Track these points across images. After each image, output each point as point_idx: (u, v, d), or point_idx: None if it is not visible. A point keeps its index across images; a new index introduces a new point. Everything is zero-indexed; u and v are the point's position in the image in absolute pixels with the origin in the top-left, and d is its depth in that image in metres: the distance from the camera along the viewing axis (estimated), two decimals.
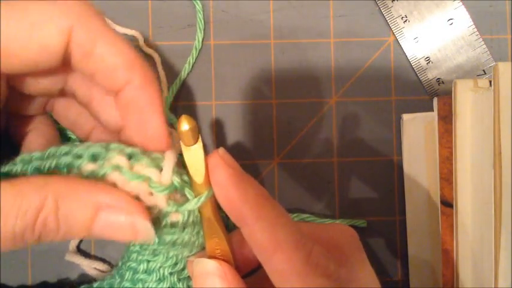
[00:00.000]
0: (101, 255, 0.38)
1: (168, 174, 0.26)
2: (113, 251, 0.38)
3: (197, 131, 0.25)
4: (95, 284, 0.31)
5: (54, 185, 0.23)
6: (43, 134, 0.31)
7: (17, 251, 0.37)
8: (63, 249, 0.37)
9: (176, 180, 0.26)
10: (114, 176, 0.25)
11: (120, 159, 0.25)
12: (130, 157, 0.26)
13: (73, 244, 0.37)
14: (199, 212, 0.28)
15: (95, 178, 0.25)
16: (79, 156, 0.26)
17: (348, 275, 0.26)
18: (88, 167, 0.25)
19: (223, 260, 0.28)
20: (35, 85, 0.28)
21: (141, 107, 0.26)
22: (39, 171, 0.25)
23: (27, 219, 0.23)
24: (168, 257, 0.28)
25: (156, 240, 0.26)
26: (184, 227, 0.27)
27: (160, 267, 0.29)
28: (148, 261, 0.28)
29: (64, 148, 0.26)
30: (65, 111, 0.31)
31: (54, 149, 0.26)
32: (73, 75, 0.29)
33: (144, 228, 0.24)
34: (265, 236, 0.24)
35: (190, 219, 0.27)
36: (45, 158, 0.26)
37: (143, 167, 0.26)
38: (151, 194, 0.26)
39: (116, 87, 0.26)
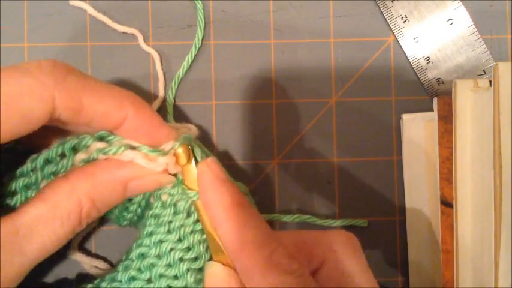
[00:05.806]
0: (101, 254, 0.38)
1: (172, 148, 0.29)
2: (113, 251, 0.38)
3: (190, 150, 0.29)
4: (97, 280, 0.31)
5: (81, 186, 0.27)
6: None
7: None
8: (63, 247, 0.37)
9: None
10: (129, 154, 0.28)
11: (131, 141, 0.28)
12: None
13: (74, 242, 0.37)
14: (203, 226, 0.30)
15: (107, 156, 0.28)
16: (83, 138, 0.28)
17: (340, 276, 0.28)
18: (96, 145, 0.28)
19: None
20: None
21: (145, 129, 0.29)
22: (48, 161, 0.28)
23: (72, 221, 0.27)
24: (181, 235, 0.29)
25: (172, 210, 0.29)
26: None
27: (171, 249, 0.29)
28: (161, 242, 0.29)
29: (70, 139, 0.29)
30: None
31: (59, 142, 0.29)
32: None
33: (167, 180, 0.29)
34: (234, 236, 0.26)
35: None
36: (51, 150, 0.28)
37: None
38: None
39: (114, 126, 0.28)
